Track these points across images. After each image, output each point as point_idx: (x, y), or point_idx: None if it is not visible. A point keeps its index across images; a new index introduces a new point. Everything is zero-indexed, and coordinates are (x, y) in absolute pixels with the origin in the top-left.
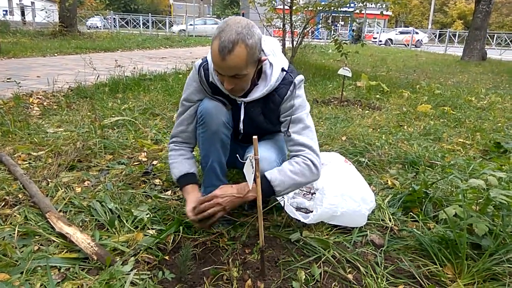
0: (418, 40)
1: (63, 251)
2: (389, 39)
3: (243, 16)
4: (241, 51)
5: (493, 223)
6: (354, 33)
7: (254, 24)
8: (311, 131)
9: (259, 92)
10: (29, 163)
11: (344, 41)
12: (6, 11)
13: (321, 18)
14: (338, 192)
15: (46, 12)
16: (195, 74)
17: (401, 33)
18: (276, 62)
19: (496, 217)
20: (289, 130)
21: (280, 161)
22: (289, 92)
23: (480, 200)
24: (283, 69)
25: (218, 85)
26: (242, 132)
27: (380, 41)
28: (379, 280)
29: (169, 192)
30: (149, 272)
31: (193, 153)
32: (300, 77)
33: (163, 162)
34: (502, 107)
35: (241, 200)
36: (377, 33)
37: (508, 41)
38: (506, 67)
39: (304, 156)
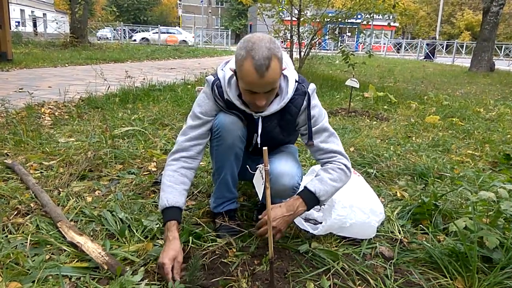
0: (183, 41)
1: (74, 260)
2: (144, 38)
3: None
4: (275, 65)
5: (504, 236)
6: (429, 48)
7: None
8: (335, 136)
9: (276, 105)
10: (41, 172)
11: (351, 52)
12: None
13: (328, 29)
14: (347, 203)
15: (57, 24)
16: (210, 92)
17: (163, 32)
18: (290, 74)
19: (507, 229)
20: (314, 141)
21: (301, 175)
22: (304, 102)
23: (491, 213)
24: (295, 80)
25: (235, 103)
26: (259, 146)
27: None
28: None
29: None
30: (158, 283)
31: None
32: (312, 86)
33: None
34: (511, 119)
35: (292, 217)
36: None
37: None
38: None
39: (337, 161)
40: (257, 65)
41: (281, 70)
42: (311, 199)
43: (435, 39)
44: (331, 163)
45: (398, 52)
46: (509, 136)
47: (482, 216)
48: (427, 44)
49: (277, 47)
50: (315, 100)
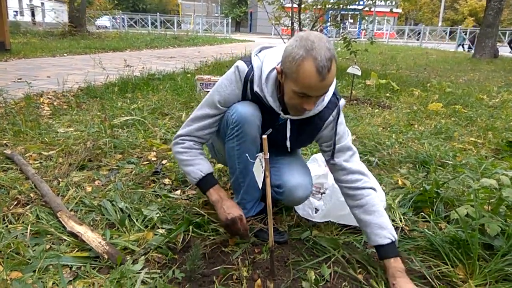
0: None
1: (74, 250)
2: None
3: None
4: (334, 67)
5: (505, 223)
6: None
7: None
8: (357, 155)
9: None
10: (40, 162)
11: (353, 39)
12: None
13: (329, 16)
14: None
15: (56, 13)
16: (238, 81)
17: None
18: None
19: (509, 217)
20: (335, 159)
21: (312, 180)
22: (331, 117)
23: (492, 200)
24: (333, 89)
25: (273, 104)
26: (289, 150)
27: None
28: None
29: (178, 192)
30: (159, 271)
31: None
32: (343, 101)
33: (173, 161)
34: None
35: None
36: None
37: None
38: None
39: (368, 188)
40: (319, 66)
41: None
42: (395, 249)
43: (475, 27)
44: (364, 189)
45: (418, 40)
46: None
47: (484, 203)
48: (470, 33)
49: (333, 48)
50: (341, 117)
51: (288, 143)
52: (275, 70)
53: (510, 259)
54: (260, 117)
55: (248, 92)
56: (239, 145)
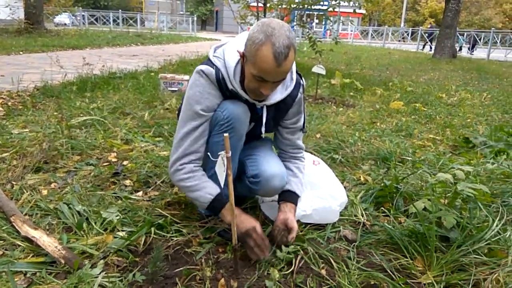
0: None
1: (29, 256)
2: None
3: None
4: (291, 55)
5: (460, 216)
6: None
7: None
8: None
9: (279, 94)
10: None
11: (318, 39)
12: None
13: (295, 15)
14: (303, 197)
15: (11, 9)
16: (210, 83)
17: None
18: (293, 64)
19: (464, 209)
20: (293, 136)
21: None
22: (299, 94)
23: (449, 194)
24: (296, 71)
25: (240, 93)
26: (262, 135)
27: None
28: (351, 274)
29: (140, 193)
30: (119, 275)
31: None
32: (303, 80)
33: (134, 162)
34: (471, 104)
35: None
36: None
37: (477, 39)
38: (475, 65)
39: (302, 158)
40: (276, 52)
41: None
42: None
43: (434, 28)
44: (299, 160)
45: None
46: (469, 120)
47: (440, 197)
48: (428, 34)
49: (294, 37)
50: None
51: (263, 129)
52: (239, 61)
53: (465, 250)
54: (249, 116)
55: (225, 92)
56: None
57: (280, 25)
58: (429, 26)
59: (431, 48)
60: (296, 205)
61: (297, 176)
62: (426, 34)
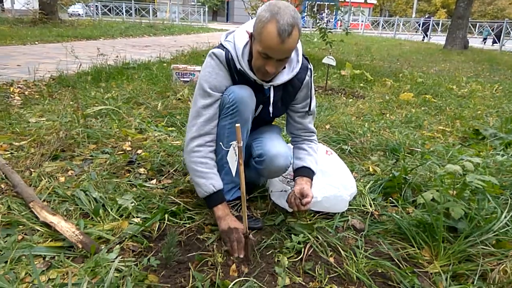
0: None
1: (47, 240)
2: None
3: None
4: (295, 34)
5: (468, 207)
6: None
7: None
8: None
9: (286, 75)
10: (11, 153)
11: (329, 30)
12: None
13: (306, 6)
14: (317, 185)
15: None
16: (219, 63)
17: None
18: (299, 47)
19: (472, 201)
20: (304, 120)
21: (291, 154)
22: (307, 77)
23: (457, 185)
24: (302, 54)
25: (248, 72)
26: (270, 116)
27: None
28: (359, 263)
29: (153, 181)
30: (134, 259)
31: None
32: (310, 65)
33: (148, 151)
34: (482, 95)
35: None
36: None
37: (490, 30)
38: (487, 56)
39: (315, 141)
40: (280, 29)
41: (298, 41)
42: (312, 175)
43: (430, 18)
44: (312, 142)
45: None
46: (479, 112)
47: (449, 188)
48: (423, 23)
49: (299, 18)
50: (312, 79)
51: (271, 109)
52: (248, 42)
53: (473, 240)
54: (255, 101)
55: (234, 73)
56: (231, 124)
57: (286, 5)
58: (426, 16)
59: (424, 37)
60: (312, 180)
61: (311, 155)
62: (420, 24)
